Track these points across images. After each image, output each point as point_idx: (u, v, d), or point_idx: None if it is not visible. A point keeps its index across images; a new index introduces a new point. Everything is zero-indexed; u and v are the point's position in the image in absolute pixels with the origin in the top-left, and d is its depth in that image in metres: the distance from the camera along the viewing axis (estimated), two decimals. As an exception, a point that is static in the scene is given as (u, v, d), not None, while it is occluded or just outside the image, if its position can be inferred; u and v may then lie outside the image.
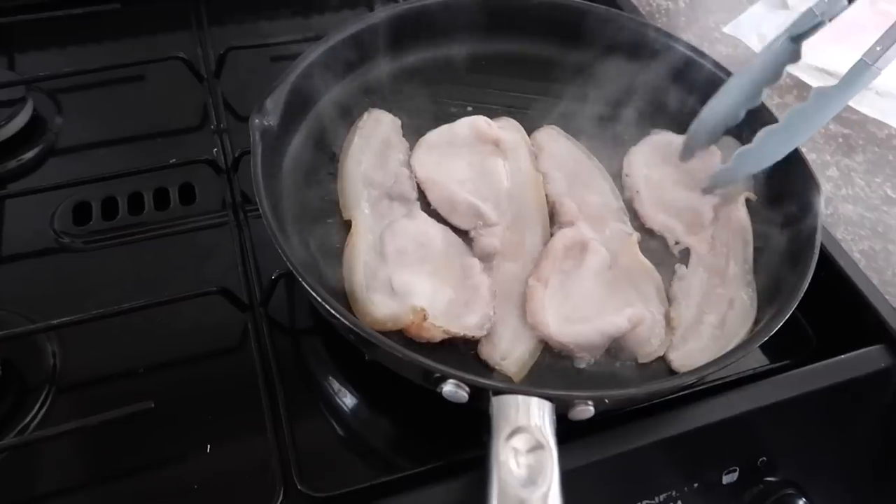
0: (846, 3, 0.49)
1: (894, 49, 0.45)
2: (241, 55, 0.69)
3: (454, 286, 0.50)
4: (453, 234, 0.54)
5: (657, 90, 0.63)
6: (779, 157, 0.52)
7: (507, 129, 0.60)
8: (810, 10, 0.50)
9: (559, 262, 0.51)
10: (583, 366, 0.49)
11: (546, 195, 0.57)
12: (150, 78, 0.70)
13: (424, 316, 0.46)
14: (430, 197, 0.56)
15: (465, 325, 0.47)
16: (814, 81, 0.74)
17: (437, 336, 0.46)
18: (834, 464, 0.51)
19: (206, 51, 0.71)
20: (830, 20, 0.50)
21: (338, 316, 0.41)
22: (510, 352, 0.48)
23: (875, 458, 0.51)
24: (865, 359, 0.50)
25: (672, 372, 0.49)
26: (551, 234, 0.54)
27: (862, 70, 0.46)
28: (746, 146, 0.52)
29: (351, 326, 0.41)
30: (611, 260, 0.52)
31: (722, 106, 0.56)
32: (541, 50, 0.66)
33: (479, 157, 0.58)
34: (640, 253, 0.53)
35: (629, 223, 0.56)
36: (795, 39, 0.52)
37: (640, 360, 0.49)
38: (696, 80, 0.62)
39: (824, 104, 0.48)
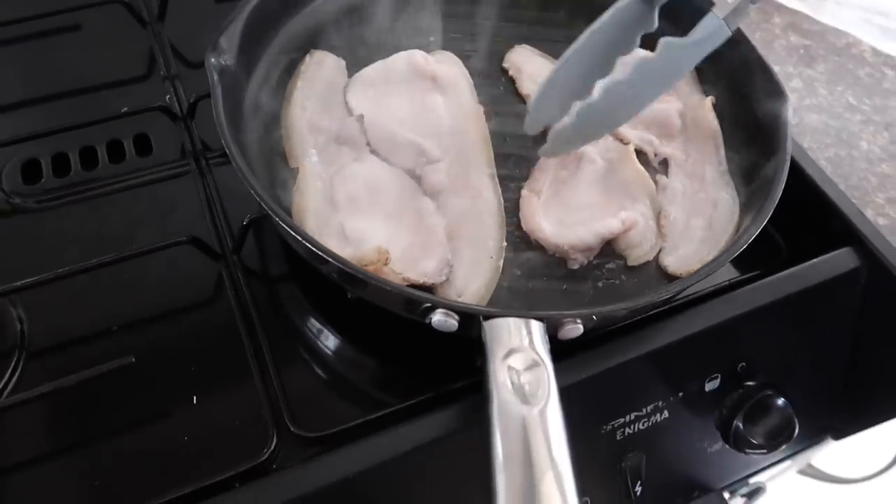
0: None
1: (745, 2, 0.42)
2: (184, -4, 0.66)
3: (409, 230, 0.49)
4: (406, 177, 0.52)
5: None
6: (626, 117, 0.49)
7: (444, 63, 0.58)
8: None
9: (553, 171, 0.51)
10: (576, 267, 0.49)
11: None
12: (89, 26, 0.66)
13: (387, 259, 0.44)
14: (370, 137, 0.53)
15: (424, 271, 0.46)
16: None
17: (396, 283, 0.44)
18: (809, 364, 0.53)
19: (146, -8, 0.67)
20: None
21: (322, 254, 0.40)
22: (465, 287, 0.47)
23: (846, 355, 0.53)
24: (834, 262, 0.52)
25: (666, 276, 0.50)
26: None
27: (715, 22, 0.43)
28: (589, 100, 0.45)
29: (338, 264, 0.40)
30: (606, 169, 0.52)
31: (566, 77, 0.48)
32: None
33: (418, 93, 0.56)
34: (636, 161, 0.53)
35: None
36: (649, 0, 0.46)
37: (630, 263, 0.50)
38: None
39: (674, 58, 0.44)
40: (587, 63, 0.49)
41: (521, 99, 0.59)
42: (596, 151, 0.53)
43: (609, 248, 0.51)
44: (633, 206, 0.51)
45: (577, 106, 0.46)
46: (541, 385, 0.35)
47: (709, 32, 0.43)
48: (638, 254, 0.50)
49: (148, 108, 0.57)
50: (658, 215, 0.52)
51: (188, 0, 0.67)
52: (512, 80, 0.59)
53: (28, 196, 0.54)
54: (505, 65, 0.60)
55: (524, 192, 0.51)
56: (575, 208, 0.51)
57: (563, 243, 0.48)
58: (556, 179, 0.52)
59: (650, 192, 0.53)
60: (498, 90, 0.60)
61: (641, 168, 0.53)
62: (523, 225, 0.50)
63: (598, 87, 0.45)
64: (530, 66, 0.59)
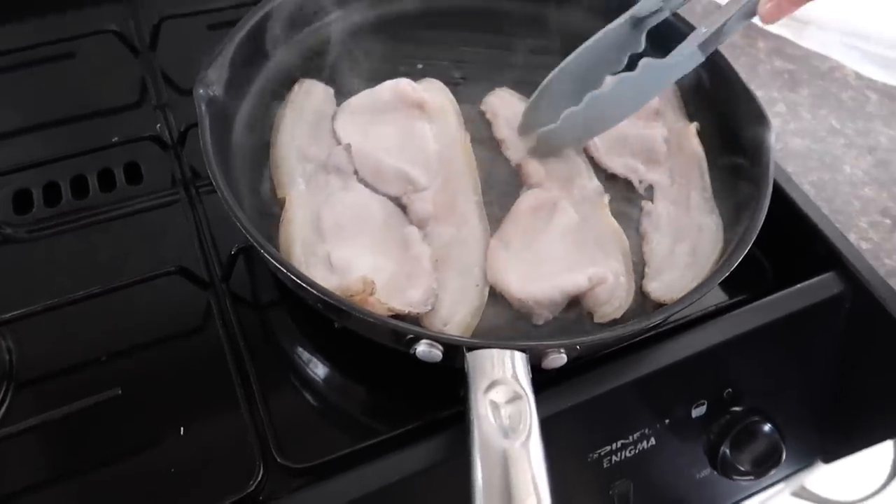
0: None
1: (718, 33, 0.47)
2: (176, 25, 0.67)
3: (395, 259, 0.49)
4: (392, 205, 0.52)
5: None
6: (607, 126, 0.52)
7: (431, 91, 0.59)
8: None
9: (524, 222, 0.51)
10: (541, 322, 0.48)
11: (509, 161, 0.56)
12: (82, 55, 0.67)
13: (372, 289, 0.44)
14: (357, 165, 0.53)
15: (409, 300, 0.46)
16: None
17: (382, 313, 0.44)
18: (796, 388, 0.53)
19: (138, 22, 0.68)
20: (672, 12, 0.50)
21: (306, 286, 0.41)
22: (452, 316, 0.47)
23: (833, 379, 0.53)
24: (819, 286, 0.52)
25: (650, 302, 0.50)
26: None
27: (690, 48, 0.47)
28: (574, 108, 0.51)
29: (321, 296, 0.41)
30: (579, 222, 0.52)
31: (557, 88, 0.53)
32: (493, 3, 0.64)
33: (404, 121, 0.56)
34: (609, 215, 0.53)
35: (596, 177, 0.56)
36: (637, 24, 0.51)
37: (596, 320, 0.49)
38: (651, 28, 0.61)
39: (652, 77, 0.49)
40: (577, 77, 0.53)
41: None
42: (570, 202, 0.53)
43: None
44: (605, 262, 0.50)
45: (565, 112, 0.52)
46: (522, 418, 0.35)
47: (684, 56, 0.48)
48: (606, 311, 0.48)
49: (138, 137, 0.58)
50: (633, 275, 0.51)
51: (181, 28, 0.67)
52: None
53: (19, 226, 0.54)
54: (482, 108, 0.60)
55: (492, 241, 0.51)
56: (543, 261, 0.50)
57: (528, 299, 0.47)
58: (527, 230, 0.51)
59: (623, 248, 0.51)
60: (484, 117, 0.60)
61: (613, 222, 0.53)
62: (489, 277, 0.49)
63: (585, 98, 0.50)
64: (507, 111, 0.59)
